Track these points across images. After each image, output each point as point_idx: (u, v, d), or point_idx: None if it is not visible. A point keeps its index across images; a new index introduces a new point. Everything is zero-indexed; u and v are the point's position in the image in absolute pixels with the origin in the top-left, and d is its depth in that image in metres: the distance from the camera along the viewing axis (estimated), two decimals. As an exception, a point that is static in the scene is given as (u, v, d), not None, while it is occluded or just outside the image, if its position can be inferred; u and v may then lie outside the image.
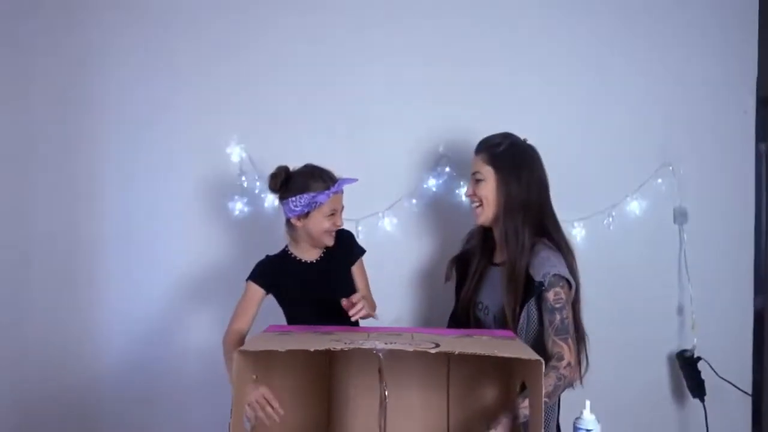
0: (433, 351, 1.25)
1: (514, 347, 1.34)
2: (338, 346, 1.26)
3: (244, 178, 2.17)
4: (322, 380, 1.56)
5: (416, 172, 2.21)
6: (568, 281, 1.67)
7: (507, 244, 1.72)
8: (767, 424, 3.48)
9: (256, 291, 1.77)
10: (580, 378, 1.71)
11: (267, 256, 1.84)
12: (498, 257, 1.82)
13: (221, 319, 1.81)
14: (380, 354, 1.22)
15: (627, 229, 2.20)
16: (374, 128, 2.21)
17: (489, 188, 1.76)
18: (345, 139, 2.20)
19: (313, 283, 1.79)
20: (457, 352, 1.27)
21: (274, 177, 1.77)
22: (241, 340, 1.69)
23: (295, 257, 1.82)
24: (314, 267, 1.82)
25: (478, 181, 1.78)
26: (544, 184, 1.79)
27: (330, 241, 1.79)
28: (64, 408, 2.20)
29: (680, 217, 2.22)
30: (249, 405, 1.42)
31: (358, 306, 1.65)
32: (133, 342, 2.21)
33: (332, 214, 1.76)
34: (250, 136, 2.18)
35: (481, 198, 1.77)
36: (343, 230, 1.86)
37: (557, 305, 1.63)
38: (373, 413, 1.22)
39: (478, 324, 1.81)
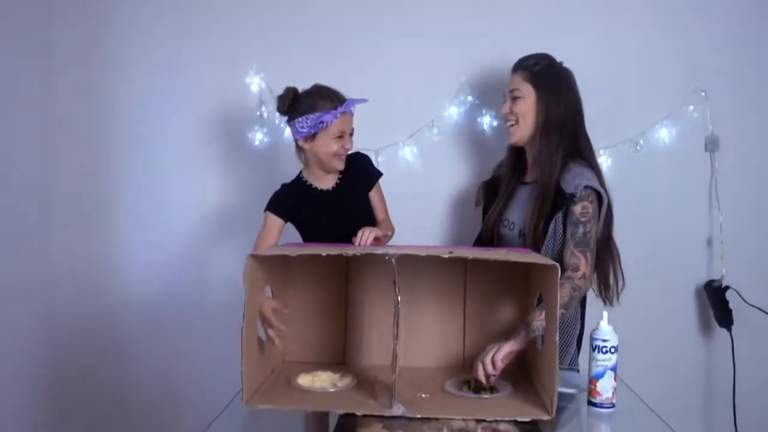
0: (446, 256, 1.25)
1: (529, 257, 1.32)
2: (351, 251, 1.27)
3: (264, 109, 2.17)
4: (339, 296, 1.57)
5: (437, 101, 2.17)
6: (599, 195, 1.65)
7: (540, 162, 1.71)
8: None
9: (275, 221, 1.77)
10: (617, 295, 1.74)
11: (282, 185, 1.82)
12: (529, 176, 1.80)
13: (243, 249, 1.78)
14: (392, 259, 1.22)
15: (656, 158, 2.14)
16: (395, 56, 2.18)
17: (527, 106, 1.73)
18: (366, 68, 2.16)
19: (330, 211, 1.76)
20: (471, 257, 1.26)
21: (281, 98, 1.74)
22: None
23: (311, 184, 1.78)
24: (331, 195, 1.78)
25: (515, 98, 1.75)
26: (580, 106, 1.78)
27: (340, 165, 1.75)
28: (91, 338, 2.27)
29: (711, 144, 2.14)
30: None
31: (363, 236, 1.56)
32: (157, 273, 2.26)
33: (340, 137, 1.70)
34: (270, 66, 2.16)
35: (518, 115, 1.74)
36: (360, 154, 1.83)
37: (583, 219, 1.61)
38: (389, 328, 1.22)
39: (502, 241, 1.80)
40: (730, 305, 2.10)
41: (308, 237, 1.81)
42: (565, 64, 1.79)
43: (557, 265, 1.20)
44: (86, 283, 2.28)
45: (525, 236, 1.70)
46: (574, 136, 1.73)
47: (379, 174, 1.84)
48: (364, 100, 1.72)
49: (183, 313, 2.25)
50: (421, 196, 2.17)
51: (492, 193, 1.89)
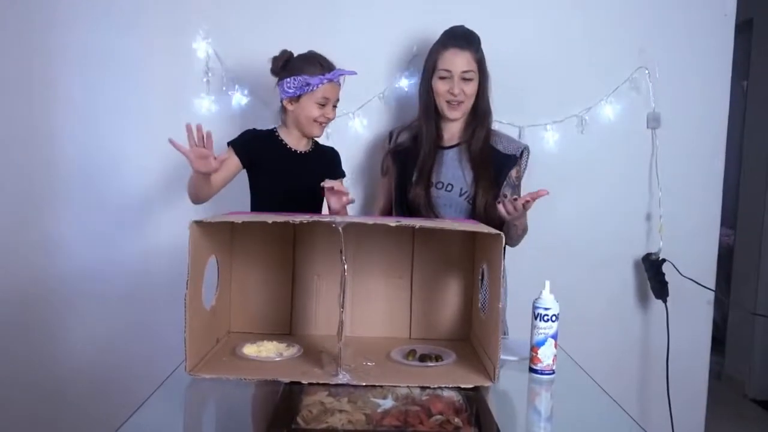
0: (393, 224, 1.25)
1: (475, 226, 1.34)
2: (298, 219, 1.25)
3: (210, 75, 2.11)
4: (285, 265, 1.56)
5: (388, 72, 2.16)
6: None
7: (470, 129, 1.84)
8: (731, 325, 3.63)
9: (234, 160, 1.75)
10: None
11: (254, 129, 1.83)
12: (449, 141, 1.88)
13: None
14: (339, 228, 1.21)
15: (599, 134, 2.19)
16: (347, 27, 2.15)
17: (474, 87, 1.82)
18: (315, 37, 2.08)
19: (294, 172, 1.79)
20: (417, 226, 1.27)
21: (275, 59, 1.78)
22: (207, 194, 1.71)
23: (283, 141, 1.81)
24: (301, 157, 1.82)
25: (468, 80, 1.80)
26: None
27: (318, 132, 1.80)
28: (27, 310, 2.20)
29: (653, 121, 2.20)
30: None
31: (342, 196, 1.64)
32: (98, 245, 2.19)
33: (323, 104, 1.75)
34: (218, 32, 2.11)
35: (468, 95, 1.81)
36: (334, 149, 1.91)
37: (519, 182, 1.84)
38: (336, 299, 1.22)
39: (438, 204, 1.84)
40: (666, 278, 2.19)
41: (259, 192, 1.80)
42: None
43: (501, 234, 1.22)
44: (18, 257, 2.19)
45: (470, 196, 1.80)
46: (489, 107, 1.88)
47: (343, 174, 1.91)
48: (353, 72, 1.78)
49: (126, 285, 2.19)
50: (372, 168, 2.17)
51: (402, 161, 1.90)
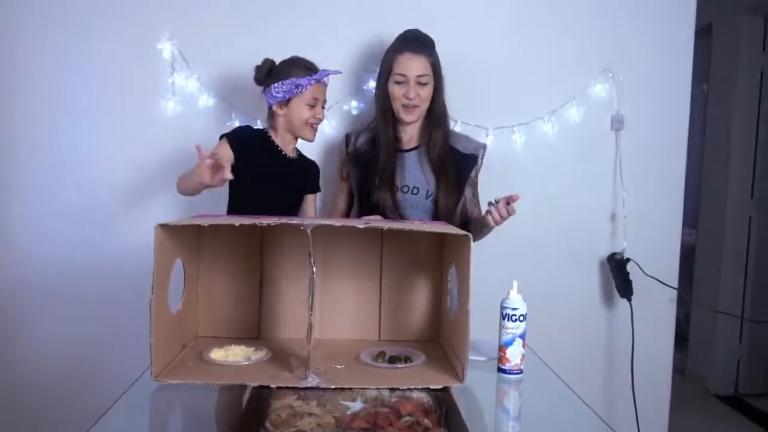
0: (361, 226, 1.25)
1: (443, 228, 1.34)
2: (265, 222, 1.24)
3: (176, 76, 2.08)
4: (253, 268, 1.54)
5: (358, 74, 2.16)
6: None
7: (428, 132, 1.87)
8: (694, 322, 3.72)
9: (228, 153, 1.72)
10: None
11: (249, 126, 1.88)
12: (408, 144, 1.90)
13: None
14: (308, 230, 1.21)
15: (565, 135, 2.22)
16: (316, 27, 2.14)
17: (429, 91, 1.84)
18: (284, 39, 2.09)
19: (280, 174, 1.81)
20: (386, 228, 1.27)
21: (259, 67, 1.79)
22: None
23: (274, 143, 1.82)
24: (289, 162, 1.84)
25: (423, 84, 1.81)
26: None
27: (310, 135, 1.82)
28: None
29: (617, 123, 2.24)
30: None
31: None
32: (61, 247, 2.14)
33: (313, 105, 1.77)
34: (182, 32, 2.08)
35: (423, 99, 1.83)
36: (314, 162, 1.95)
37: (476, 180, 1.93)
38: (305, 302, 1.22)
39: (405, 206, 1.85)
40: (631, 276, 2.23)
41: (240, 188, 1.78)
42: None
43: (469, 234, 1.23)
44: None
45: (435, 198, 1.83)
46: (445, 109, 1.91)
47: (319, 189, 1.95)
48: (338, 71, 1.81)
49: (92, 288, 2.15)
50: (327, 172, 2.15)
51: (362, 164, 1.90)
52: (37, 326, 2.16)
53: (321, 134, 2.13)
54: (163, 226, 1.21)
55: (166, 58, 2.07)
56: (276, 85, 1.75)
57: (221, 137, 1.78)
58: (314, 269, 1.21)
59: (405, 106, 1.83)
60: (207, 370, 1.28)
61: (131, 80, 2.10)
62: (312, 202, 1.95)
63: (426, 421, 1.05)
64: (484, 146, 1.95)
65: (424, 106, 1.84)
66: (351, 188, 1.96)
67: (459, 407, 1.15)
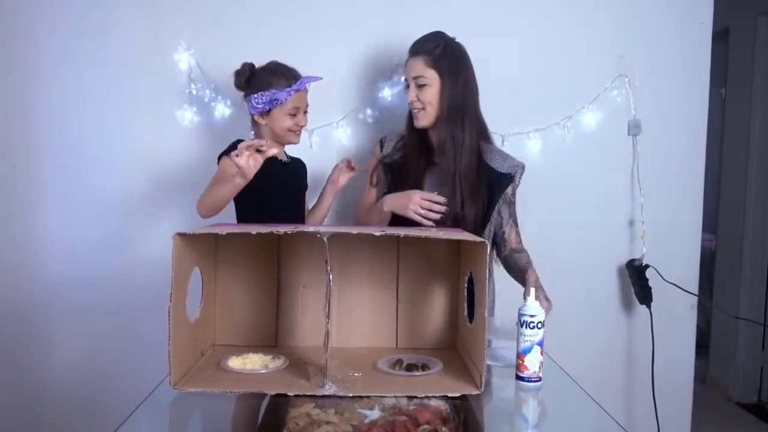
0: (378, 234, 1.25)
1: (459, 234, 1.34)
2: (282, 230, 1.25)
3: (193, 86, 2.10)
4: (270, 276, 1.54)
5: (371, 82, 2.17)
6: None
7: (453, 145, 1.75)
8: (715, 329, 3.66)
9: (231, 168, 1.69)
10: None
11: (241, 140, 1.78)
12: (438, 157, 1.82)
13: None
14: (324, 237, 1.21)
15: (582, 141, 2.21)
16: (330, 35, 2.15)
17: (433, 92, 1.76)
18: (299, 47, 2.11)
19: (281, 181, 1.80)
20: (402, 235, 1.27)
21: (238, 74, 1.77)
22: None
23: None
24: (285, 166, 1.83)
25: (421, 86, 1.76)
26: (475, 81, 1.81)
27: (295, 140, 1.81)
28: (8, 322, 2.16)
29: (634, 128, 2.23)
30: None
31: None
32: (79, 259, 2.16)
33: (294, 114, 1.75)
34: (199, 42, 2.10)
35: (425, 102, 1.76)
36: (300, 159, 1.91)
37: (514, 198, 1.82)
38: (322, 310, 1.22)
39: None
40: (650, 283, 2.20)
41: (246, 201, 1.76)
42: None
43: (486, 241, 1.22)
44: None
45: (459, 212, 1.75)
46: (477, 115, 1.79)
47: (306, 186, 1.95)
48: (318, 78, 1.76)
49: (108, 299, 2.16)
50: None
51: (394, 172, 1.87)
52: (57, 334, 2.17)
53: (336, 143, 2.15)
54: (182, 235, 1.22)
55: (183, 68, 2.09)
56: (256, 96, 1.73)
57: (219, 157, 1.76)
58: (331, 277, 1.21)
59: (411, 109, 1.80)
60: (225, 378, 1.28)
61: (148, 90, 2.13)
62: (306, 199, 1.95)
63: (444, 430, 1.05)
64: (523, 166, 1.82)
65: (431, 109, 1.76)
66: (380, 195, 1.90)
67: (477, 415, 1.14)
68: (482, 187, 1.77)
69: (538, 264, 2.16)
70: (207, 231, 1.26)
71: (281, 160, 1.82)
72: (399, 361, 1.38)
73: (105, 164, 2.15)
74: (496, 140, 2.14)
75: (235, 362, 1.35)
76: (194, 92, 2.10)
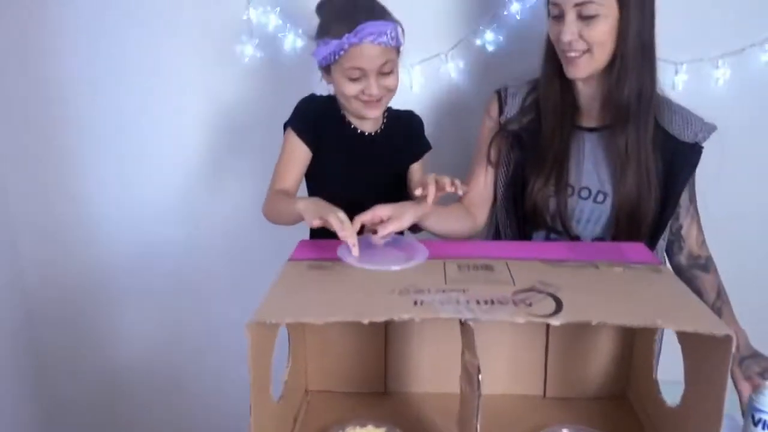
0: (557, 323, 0.81)
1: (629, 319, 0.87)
2: (405, 316, 0.83)
3: (252, 11, 1.60)
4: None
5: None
6: None
7: (638, 104, 1.25)
8: None
9: (300, 147, 1.30)
10: None
11: (312, 98, 1.35)
12: (589, 120, 1.32)
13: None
14: (471, 323, 0.79)
15: (742, 86, 1.60)
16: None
17: (607, 28, 1.20)
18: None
19: (364, 158, 1.33)
20: (594, 323, 0.82)
21: (317, 9, 1.28)
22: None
23: (346, 118, 1.33)
24: (372, 140, 1.34)
25: (588, 17, 1.19)
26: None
27: (369, 112, 1.28)
28: (70, 306, 1.92)
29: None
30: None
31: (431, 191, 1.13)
32: (139, 226, 1.85)
33: (356, 78, 1.23)
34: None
35: (593, 44, 1.20)
36: (414, 115, 1.42)
37: (693, 179, 1.34)
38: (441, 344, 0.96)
39: (576, 217, 1.32)
40: None
41: (319, 181, 1.36)
42: None
43: (732, 335, 0.77)
44: (55, 244, 1.87)
45: (614, 202, 1.28)
46: (652, 57, 1.26)
47: (428, 146, 1.41)
48: (389, 24, 1.21)
49: (177, 272, 1.87)
50: (468, 124, 1.60)
51: (522, 145, 1.34)
52: (126, 321, 1.94)
53: (445, 81, 1.64)
54: (252, 327, 0.82)
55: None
56: (319, 44, 1.25)
57: (285, 126, 1.32)
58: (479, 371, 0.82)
59: (563, 51, 1.24)
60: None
61: (200, 22, 1.65)
62: (419, 168, 1.42)
63: None
64: (712, 129, 1.30)
65: (600, 53, 1.21)
66: (498, 176, 1.39)
67: None
68: (658, 164, 1.27)
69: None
70: (294, 321, 0.86)
71: (363, 133, 1.34)
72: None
73: (157, 118, 1.75)
74: (666, 71, 1.55)
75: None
76: (255, 19, 1.60)
